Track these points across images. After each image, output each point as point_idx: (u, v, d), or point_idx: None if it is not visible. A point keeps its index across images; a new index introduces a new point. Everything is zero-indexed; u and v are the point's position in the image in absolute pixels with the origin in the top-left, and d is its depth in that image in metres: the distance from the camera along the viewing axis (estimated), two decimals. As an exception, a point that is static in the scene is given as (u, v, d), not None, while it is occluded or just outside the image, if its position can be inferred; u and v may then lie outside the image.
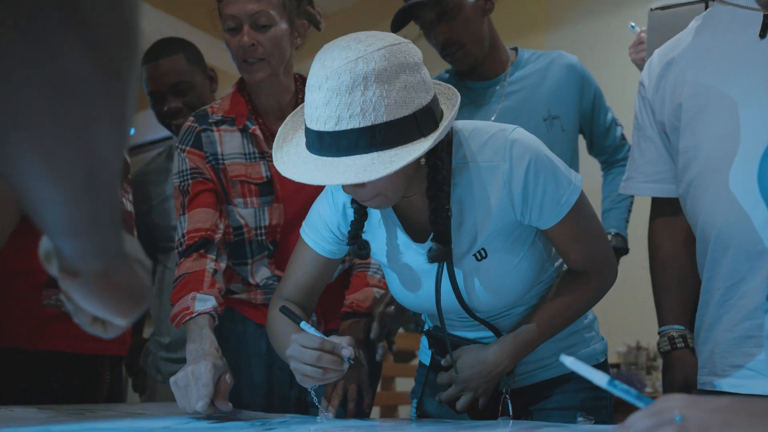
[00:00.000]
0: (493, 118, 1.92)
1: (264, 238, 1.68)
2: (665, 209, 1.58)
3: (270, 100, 1.71)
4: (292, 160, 1.13)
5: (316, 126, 1.07)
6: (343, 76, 1.04)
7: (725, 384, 1.33)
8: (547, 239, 1.31)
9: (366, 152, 1.05)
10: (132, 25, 0.55)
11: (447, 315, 1.32)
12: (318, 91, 1.06)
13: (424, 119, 1.09)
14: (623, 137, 2.16)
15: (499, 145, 1.19)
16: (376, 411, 3.91)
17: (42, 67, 0.51)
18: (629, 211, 2.16)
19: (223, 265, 1.61)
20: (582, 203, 1.23)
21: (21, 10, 0.49)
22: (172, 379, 1.31)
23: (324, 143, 1.07)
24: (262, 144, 1.69)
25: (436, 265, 1.24)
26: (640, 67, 1.87)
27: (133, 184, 1.98)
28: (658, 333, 1.55)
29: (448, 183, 1.20)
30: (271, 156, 1.63)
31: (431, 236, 1.21)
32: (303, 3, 1.69)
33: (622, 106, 2.42)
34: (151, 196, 2.27)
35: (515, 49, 2.07)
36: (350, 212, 1.30)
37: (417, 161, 1.09)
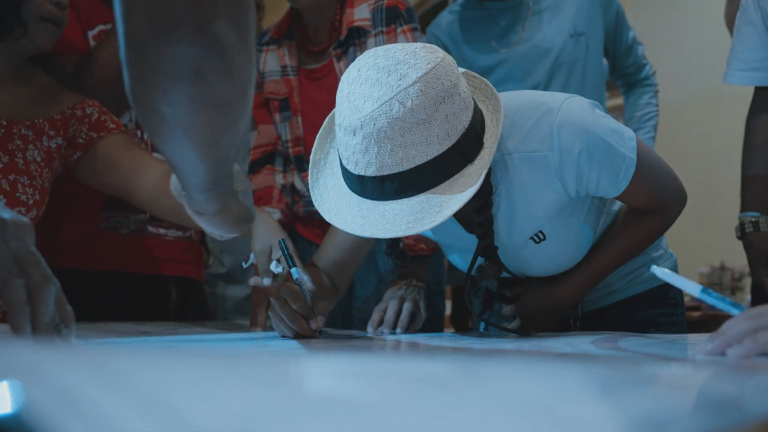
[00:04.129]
0: (519, 39, 1.89)
1: (289, 151, 1.74)
2: (765, 97, 1.49)
3: (313, 14, 1.69)
4: (333, 199, 1.05)
5: (356, 170, 0.99)
6: (380, 121, 0.94)
7: None
8: (601, 201, 1.23)
9: (413, 195, 0.97)
10: (250, 69, 0.76)
11: None
12: (353, 137, 0.96)
13: (468, 143, 0.99)
14: (644, 56, 2.13)
15: (545, 134, 1.07)
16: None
17: (203, 101, 0.73)
18: (655, 129, 2.14)
19: (289, 176, 1.77)
20: (641, 168, 1.11)
21: (191, 68, 0.70)
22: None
23: (366, 187, 0.99)
24: (283, 59, 1.72)
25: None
26: None
27: None
28: (739, 218, 1.50)
29: (491, 189, 1.10)
30: (290, 70, 1.72)
31: (477, 249, 1.13)
32: None
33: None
34: None
35: None
36: None
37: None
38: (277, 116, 1.75)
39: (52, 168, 1.40)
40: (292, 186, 1.78)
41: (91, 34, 1.60)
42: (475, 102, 1.04)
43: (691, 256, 1.50)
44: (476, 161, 1.00)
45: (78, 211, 1.55)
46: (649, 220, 1.22)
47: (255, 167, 1.78)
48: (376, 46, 1.56)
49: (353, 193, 1.02)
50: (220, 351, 0.95)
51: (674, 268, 1.38)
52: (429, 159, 0.96)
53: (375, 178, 0.97)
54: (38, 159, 1.36)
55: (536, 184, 1.10)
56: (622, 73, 2.15)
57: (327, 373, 0.44)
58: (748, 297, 3.55)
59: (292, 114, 1.73)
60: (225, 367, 0.35)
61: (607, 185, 1.11)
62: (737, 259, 3.36)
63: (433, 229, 1.25)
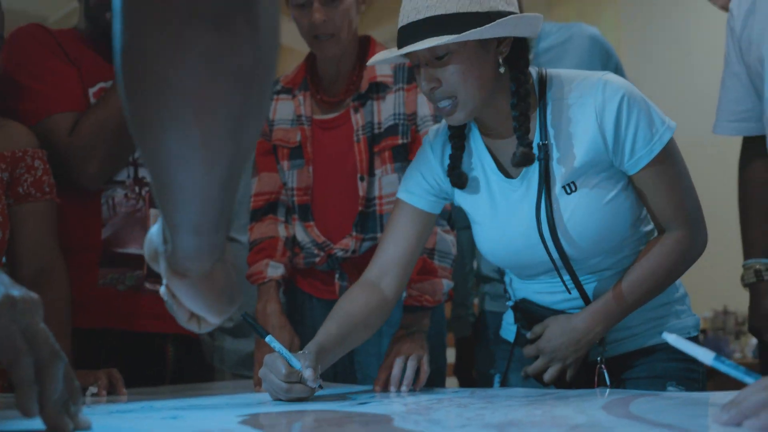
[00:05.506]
0: None
1: (294, 200, 1.72)
2: (755, 145, 1.52)
3: (330, 65, 1.70)
4: (382, 56, 1.28)
5: (404, 21, 1.19)
6: None
7: None
8: (638, 198, 1.26)
9: (440, 35, 1.15)
10: (278, 28, 0.58)
11: (534, 269, 1.32)
12: None
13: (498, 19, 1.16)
14: None
15: (592, 83, 1.23)
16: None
17: (223, 61, 0.53)
18: None
19: (291, 227, 1.75)
20: (674, 148, 1.23)
21: (213, 9, 0.52)
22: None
23: (407, 34, 1.19)
24: (299, 108, 1.71)
25: (531, 200, 1.26)
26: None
27: None
28: (743, 266, 1.53)
29: (533, 94, 1.26)
30: (305, 120, 1.72)
31: (518, 159, 1.24)
32: None
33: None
34: None
35: None
36: (447, 159, 1.36)
37: (495, 69, 1.21)
38: (285, 164, 1.74)
39: (4, 196, 1.41)
40: (293, 237, 1.76)
41: (92, 91, 1.61)
42: (517, 15, 1.19)
43: (694, 300, 1.50)
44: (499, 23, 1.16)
45: (74, 268, 1.53)
46: (670, 245, 1.24)
47: (258, 215, 1.76)
48: (395, 101, 1.65)
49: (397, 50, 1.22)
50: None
51: (696, 326, 1.40)
52: (457, 11, 1.14)
53: (413, 23, 1.17)
54: None
55: (576, 128, 1.22)
56: None
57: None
58: (753, 341, 3.52)
59: (305, 163, 1.72)
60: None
61: (641, 144, 1.20)
62: (740, 303, 3.35)
63: (482, 193, 1.34)
